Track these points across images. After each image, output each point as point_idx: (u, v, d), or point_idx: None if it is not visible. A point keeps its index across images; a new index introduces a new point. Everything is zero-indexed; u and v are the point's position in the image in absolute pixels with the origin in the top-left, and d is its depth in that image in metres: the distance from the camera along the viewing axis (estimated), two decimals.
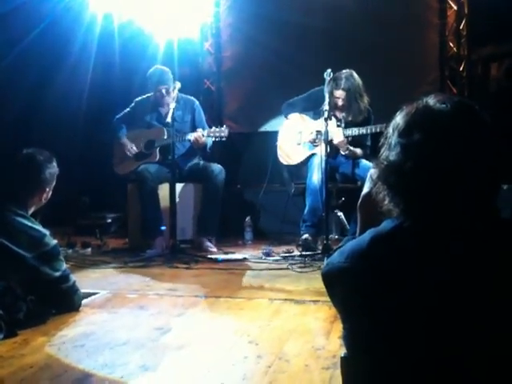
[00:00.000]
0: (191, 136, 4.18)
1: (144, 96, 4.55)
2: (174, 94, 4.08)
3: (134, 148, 4.42)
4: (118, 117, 4.54)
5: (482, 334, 0.85)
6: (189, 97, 4.55)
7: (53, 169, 2.44)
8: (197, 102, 4.57)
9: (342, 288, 0.98)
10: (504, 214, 0.96)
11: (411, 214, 0.94)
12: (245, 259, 3.79)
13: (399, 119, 0.97)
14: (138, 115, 4.53)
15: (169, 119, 3.83)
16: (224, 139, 4.17)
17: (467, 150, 0.90)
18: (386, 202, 0.97)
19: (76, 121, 5.41)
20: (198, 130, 4.25)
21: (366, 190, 1.15)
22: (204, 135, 4.15)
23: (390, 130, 0.98)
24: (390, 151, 0.96)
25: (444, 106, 0.93)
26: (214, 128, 4.19)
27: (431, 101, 0.95)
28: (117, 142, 4.51)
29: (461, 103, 0.95)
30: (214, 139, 4.18)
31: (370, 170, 1.15)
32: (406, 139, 0.93)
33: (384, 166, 0.96)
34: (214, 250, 4.16)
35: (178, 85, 4.13)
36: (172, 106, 3.90)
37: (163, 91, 4.32)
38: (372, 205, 1.04)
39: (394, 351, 0.90)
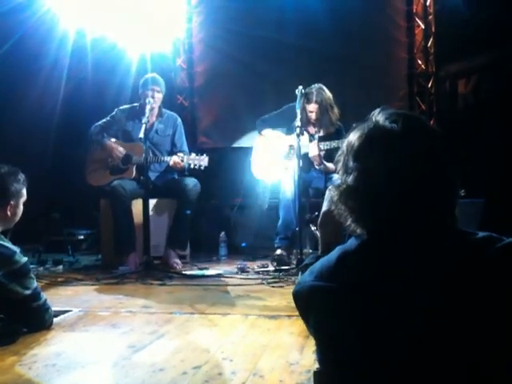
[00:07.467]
0: (170, 160, 4.14)
1: (129, 105, 4.44)
2: (150, 105, 4.03)
3: (122, 149, 4.27)
4: (96, 124, 4.37)
5: (457, 344, 0.87)
6: (172, 113, 4.54)
7: (18, 183, 2.37)
8: (179, 119, 4.54)
9: (312, 305, 0.99)
10: (471, 226, 1.00)
11: (374, 233, 0.97)
12: (219, 275, 3.77)
13: (352, 140, 0.99)
14: (118, 125, 4.39)
15: (141, 135, 3.78)
16: (202, 168, 4.08)
17: (420, 169, 0.93)
18: (349, 222, 1.00)
19: (47, 136, 5.35)
20: (178, 154, 4.19)
21: (324, 208, 1.17)
22: (183, 160, 4.11)
23: (345, 149, 1.00)
24: (347, 174, 0.98)
25: (395, 125, 0.96)
26: (193, 155, 4.13)
27: (381, 118, 0.98)
28: (95, 149, 4.34)
29: (408, 119, 0.97)
30: (192, 167, 4.09)
31: (329, 190, 1.17)
32: (361, 163, 0.96)
33: (343, 190, 0.99)
34: (180, 266, 4.11)
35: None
36: (145, 119, 3.87)
37: (154, 93, 4.20)
38: (331, 222, 1.06)
39: (367, 365, 0.91)
